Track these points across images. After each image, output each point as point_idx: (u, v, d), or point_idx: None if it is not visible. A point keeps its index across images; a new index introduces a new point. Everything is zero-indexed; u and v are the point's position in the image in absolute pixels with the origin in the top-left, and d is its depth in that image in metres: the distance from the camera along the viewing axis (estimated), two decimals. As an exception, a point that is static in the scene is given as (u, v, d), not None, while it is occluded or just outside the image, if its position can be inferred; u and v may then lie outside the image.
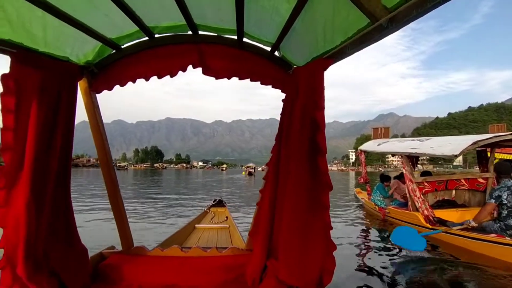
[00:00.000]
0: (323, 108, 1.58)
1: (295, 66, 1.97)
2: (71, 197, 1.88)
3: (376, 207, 8.22)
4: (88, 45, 1.88)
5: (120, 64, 2.01)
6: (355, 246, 5.56)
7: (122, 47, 1.99)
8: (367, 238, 6.32)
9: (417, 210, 5.94)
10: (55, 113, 1.66)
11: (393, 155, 9.08)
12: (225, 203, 6.14)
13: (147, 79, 1.96)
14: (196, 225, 4.57)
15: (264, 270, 1.85)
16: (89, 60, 1.96)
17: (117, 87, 2.01)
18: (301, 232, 1.61)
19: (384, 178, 8.55)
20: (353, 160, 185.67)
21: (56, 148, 1.67)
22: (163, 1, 1.61)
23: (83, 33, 1.68)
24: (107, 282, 2.04)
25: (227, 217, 5.00)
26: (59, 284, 1.67)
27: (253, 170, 57.83)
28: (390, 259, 4.69)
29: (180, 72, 1.95)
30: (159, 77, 1.94)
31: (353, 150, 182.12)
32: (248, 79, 1.99)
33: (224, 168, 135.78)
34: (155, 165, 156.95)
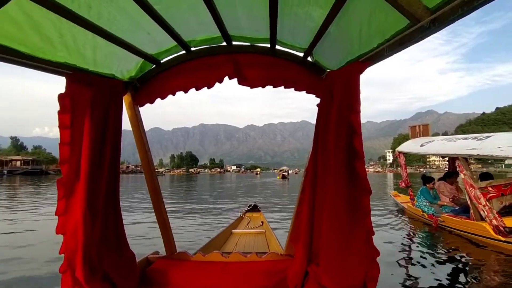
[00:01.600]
0: (359, 111, 1.55)
1: (328, 71, 1.96)
2: (120, 205, 1.99)
3: (424, 214, 7.65)
4: (131, 62, 2.00)
5: (160, 78, 2.11)
6: (400, 254, 5.28)
7: (161, 61, 2.09)
8: (414, 246, 5.89)
9: (482, 219, 5.33)
10: (104, 127, 1.78)
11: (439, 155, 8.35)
12: (259, 208, 6.16)
13: (186, 91, 2.04)
14: (233, 230, 4.63)
15: (305, 276, 1.84)
16: (132, 76, 2.08)
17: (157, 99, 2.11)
18: (342, 238, 1.58)
19: (427, 179, 7.94)
20: (391, 161, 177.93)
21: (106, 160, 1.78)
22: (200, 16, 1.68)
23: (128, 51, 1.79)
24: (154, 286, 2.13)
25: (262, 222, 5.01)
26: (112, 287, 1.77)
27: (286, 174, 57.38)
28: (445, 272, 4.41)
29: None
30: (197, 89, 2.02)
31: (390, 150, 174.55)
32: (282, 86, 2.01)
33: (258, 172, 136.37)
34: (190, 170, 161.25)
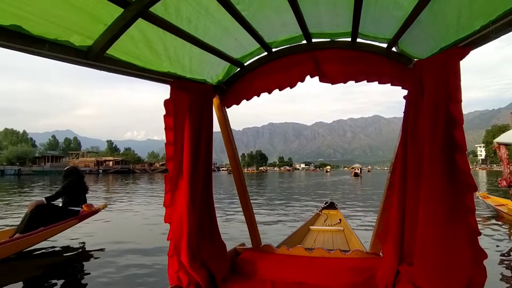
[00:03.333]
0: (460, 101, 1.44)
1: (416, 60, 1.84)
2: (213, 199, 2.16)
3: None
4: (219, 66, 2.17)
5: (244, 80, 2.24)
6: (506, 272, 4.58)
7: (245, 64, 2.22)
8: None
9: None
10: (200, 128, 1.97)
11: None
12: (336, 205, 6.02)
13: (269, 92, 2.13)
14: (311, 227, 4.63)
15: (396, 275, 1.78)
16: (219, 80, 2.25)
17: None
18: (442, 238, 1.48)
19: None
20: (482, 157, 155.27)
21: (201, 158, 1.98)
22: (283, 17, 1.74)
23: (217, 57, 1.95)
24: (243, 274, 2.27)
25: (340, 220, 4.90)
26: (208, 273, 1.95)
27: (359, 171, 54.75)
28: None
29: None
30: (280, 89, 2.09)
31: (482, 144, 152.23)
32: (365, 80, 1.96)
33: (328, 170, 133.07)
34: (260, 168, 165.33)
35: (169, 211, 1.89)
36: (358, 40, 1.94)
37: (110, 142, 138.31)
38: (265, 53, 2.13)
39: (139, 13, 1.28)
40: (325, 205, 5.98)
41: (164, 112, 1.84)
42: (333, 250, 2.38)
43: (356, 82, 1.98)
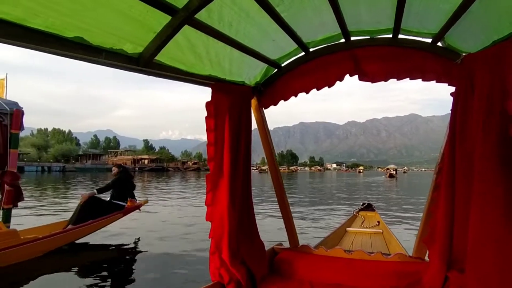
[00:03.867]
0: None
1: (464, 54, 1.77)
2: (252, 198, 2.20)
3: None
4: (257, 68, 2.20)
5: (281, 81, 2.25)
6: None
7: (282, 65, 2.23)
8: None
9: None
10: (239, 129, 2.01)
11: None
12: (374, 207, 5.86)
13: (307, 92, 2.13)
14: (348, 229, 4.55)
15: (444, 281, 1.71)
16: (257, 81, 2.29)
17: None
18: (498, 244, 1.41)
19: None
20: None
21: (241, 158, 2.01)
22: (322, 17, 1.75)
23: (255, 59, 1.99)
24: (282, 274, 2.26)
25: (378, 222, 4.78)
26: (247, 271, 1.97)
27: (394, 172, 52.57)
28: None
29: None
30: (318, 89, 2.07)
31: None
32: (407, 78, 1.90)
33: (361, 170, 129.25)
34: (291, 168, 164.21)
35: (210, 209, 1.93)
36: (400, 36, 1.88)
37: (146, 141, 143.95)
38: (303, 53, 2.12)
39: (185, 20, 1.35)
40: (362, 207, 5.83)
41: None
42: (373, 253, 2.32)
43: (397, 80, 1.92)
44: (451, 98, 1.74)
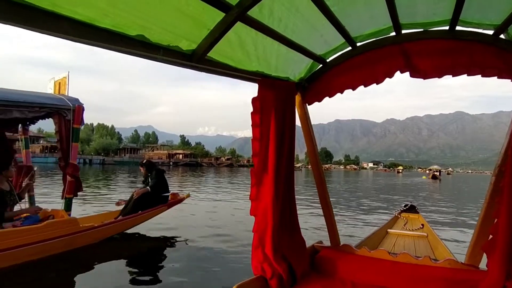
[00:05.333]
0: None
1: None
2: (295, 194, 2.20)
3: None
4: (302, 64, 2.19)
5: (326, 77, 2.22)
6: None
7: (327, 60, 2.20)
8: None
9: None
10: (283, 125, 2.02)
11: None
12: (417, 208, 5.62)
13: (354, 89, 2.07)
14: (389, 230, 4.43)
15: None
16: (301, 77, 2.28)
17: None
18: None
19: None
20: None
21: (285, 153, 2.02)
22: (372, 10, 1.71)
23: (301, 54, 1.98)
24: (323, 272, 2.25)
25: (423, 225, 4.58)
26: (289, 267, 1.98)
27: (438, 173, 49.61)
28: None
29: None
30: (365, 85, 2.01)
31: None
32: (465, 74, 1.80)
33: (400, 171, 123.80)
34: (325, 166, 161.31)
35: (254, 204, 1.95)
36: (458, 28, 1.77)
37: (182, 137, 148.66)
38: (349, 48, 2.07)
39: (238, 17, 1.39)
40: (404, 208, 5.61)
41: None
42: (420, 257, 2.24)
43: (453, 76, 1.82)
44: (502, 95, 1.67)
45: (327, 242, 2.66)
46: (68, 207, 4.69)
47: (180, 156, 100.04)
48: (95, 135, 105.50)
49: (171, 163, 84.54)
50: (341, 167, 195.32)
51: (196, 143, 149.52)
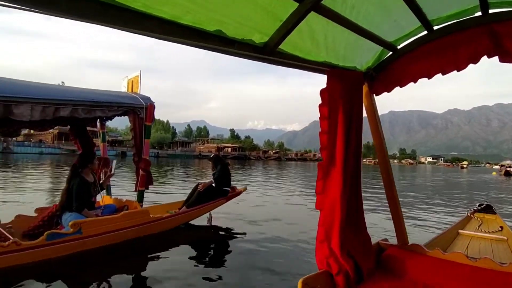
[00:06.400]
0: None
1: None
2: (361, 189, 2.12)
3: None
4: (370, 52, 2.08)
5: (397, 65, 2.07)
6: None
7: (398, 47, 2.06)
8: None
9: None
10: (351, 117, 1.95)
11: None
12: (495, 209, 5.10)
13: (429, 77, 1.90)
14: (460, 231, 4.10)
15: None
16: (369, 66, 2.17)
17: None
18: None
19: None
20: None
21: (352, 146, 1.95)
22: None
23: (371, 41, 1.87)
24: (390, 272, 2.13)
25: (501, 227, 4.16)
26: (354, 264, 1.92)
27: (511, 169, 44.21)
28: None
29: None
30: (444, 73, 1.84)
31: None
32: None
33: (464, 166, 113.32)
34: (374, 160, 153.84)
35: (320, 198, 1.93)
36: None
37: (232, 131, 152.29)
38: (424, 32, 1.91)
39: (312, 7, 1.35)
40: (479, 208, 5.12)
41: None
42: (505, 264, 2.02)
43: None
44: None
45: (391, 240, 2.55)
46: (140, 199, 5.11)
47: (229, 149, 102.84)
48: (152, 130, 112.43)
49: (220, 155, 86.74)
50: (396, 161, 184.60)
51: (245, 136, 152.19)
